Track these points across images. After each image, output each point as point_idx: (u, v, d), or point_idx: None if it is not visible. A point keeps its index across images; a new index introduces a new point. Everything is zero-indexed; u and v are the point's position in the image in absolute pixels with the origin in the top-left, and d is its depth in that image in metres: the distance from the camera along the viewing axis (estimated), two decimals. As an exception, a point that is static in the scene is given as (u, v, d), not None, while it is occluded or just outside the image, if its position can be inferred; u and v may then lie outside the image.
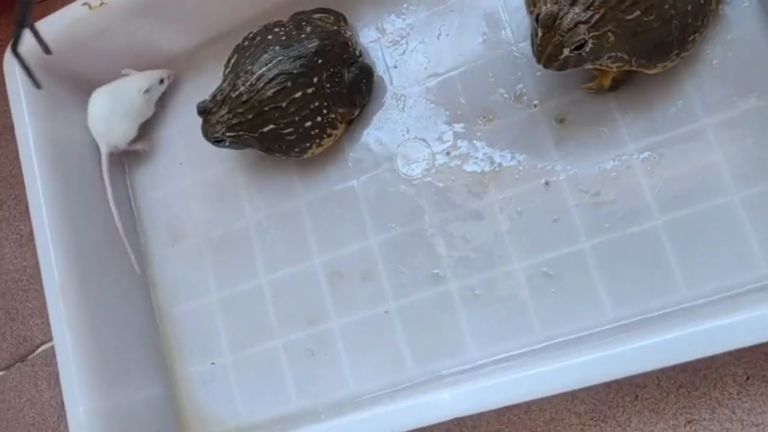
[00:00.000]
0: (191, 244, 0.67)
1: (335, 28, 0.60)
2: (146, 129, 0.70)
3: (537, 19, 0.49)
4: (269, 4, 0.65)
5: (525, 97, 0.57)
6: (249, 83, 0.57)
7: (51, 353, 0.73)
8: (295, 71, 0.57)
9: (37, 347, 0.74)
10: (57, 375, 0.72)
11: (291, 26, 0.60)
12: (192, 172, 0.68)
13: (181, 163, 0.68)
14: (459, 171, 0.58)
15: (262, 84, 0.57)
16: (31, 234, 0.75)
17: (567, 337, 0.53)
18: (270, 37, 0.59)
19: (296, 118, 0.58)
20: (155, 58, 0.69)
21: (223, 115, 0.58)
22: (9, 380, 0.75)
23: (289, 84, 0.57)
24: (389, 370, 0.59)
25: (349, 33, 0.61)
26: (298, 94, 0.57)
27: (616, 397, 0.53)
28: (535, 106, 0.57)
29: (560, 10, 0.48)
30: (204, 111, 0.59)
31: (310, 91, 0.57)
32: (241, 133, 0.59)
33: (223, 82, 0.60)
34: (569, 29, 0.48)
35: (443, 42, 0.60)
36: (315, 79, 0.57)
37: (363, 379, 0.59)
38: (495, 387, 0.49)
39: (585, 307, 0.53)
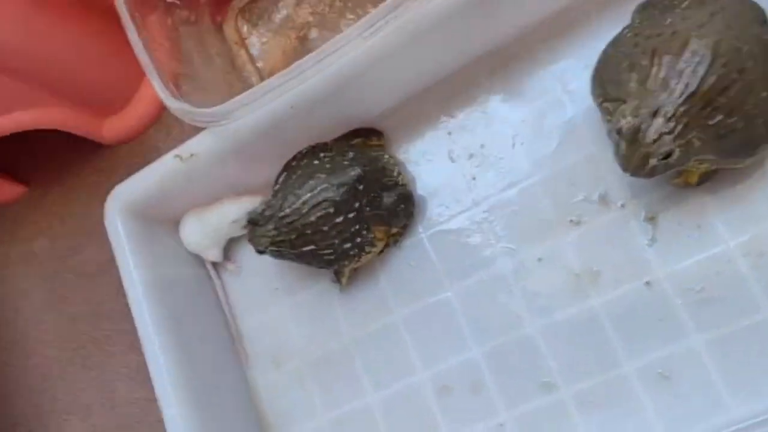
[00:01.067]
0: (293, 366, 0.69)
1: (374, 154, 0.64)
2: (234, 250, 0.73)
3: (619, 132, 0.50)
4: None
5: (609, 198, 0.58)
6: (295, 207, 0.61)
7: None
8: (338, 198, 0.60)
9: (156, 478, 0.77)
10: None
11: (335, 152, 0.64)
12: (287, 295, 0.70)
13: (277, 288, 0.71)
14: (553, 277, 0.59)
15: (306, 209, 0.60)
16: (139, 365, 0.80)
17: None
18: (316, 162, 0.63)
19: (336, 241, 0.61)
20: (240, 189, 0.72)
21: (269, 230, 0.62)
22: None
23: (331, 210, 0.60)
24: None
25: (387, 156, 0.65)
26: (340, 219, 0.61)
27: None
28: (622, 206, 0.57)
29: (642, 122, 0.49)
30: (253, 222, 0.64)
31: (351, 215, 0.61)
32: (282, 249, 0.63)
33: (273, 197, 0.64)
34: (654, 140, 0.48)
35: (518, 151, 0.62)
36: (356, 204, 0.61)
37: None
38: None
39: (707, 406, 0.53)
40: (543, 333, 0.59)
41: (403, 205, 0.64)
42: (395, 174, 0.64)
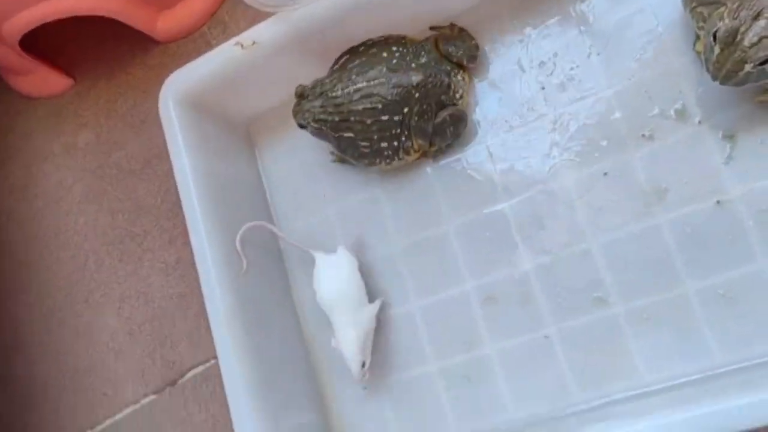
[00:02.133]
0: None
1: (448, 68, 0.62)
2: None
3: (714, 36, 0.48)
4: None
5: (687, 114, 0.56)
6: (347, 90, 0.61)
7: (200, 378, 0.76)
8: (389, 97, 0.60)
9: (187, 371, 0.77)
10: (208, 398, 0.76)
11: (409, 50, 0.62)
12: (334, 200, 0.69)
13: (325, 195, 0.70)
14: (619, 192, 0.57)
15: (357, 96, 0.60)
16: (176, 262, 0.80)
17: (750, 362, 0.51)
18: (384, 54, 0.61)
19: (375, 137, 0.61)
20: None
21: (315, 106, 0.62)
22: (160, 404, 0.78)
23: (379, 106, 0.60)
24: (551, 394, 0.58)
25: (462, 75, 0.63)
26: (384, 117, 0.60)
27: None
28: (699, 122, 0.55)
29: (741, 24, 0.47)
30: (301, 95, 0.63)
31: (396, 118, 0.60)
32: (324, 128, 0.62)
33: (328, 76, 0.63)
34: (753, 44, 0.46)
35: (593, 61, 0.59)
36: (405, 109, 0.60)
37: (523, 404, 0.59)
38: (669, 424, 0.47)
39: (766, 329, 0.51)
40: (602, 248, 0.57)
41: (452, 127, 0.62)
42: (459, 95, 0.62)
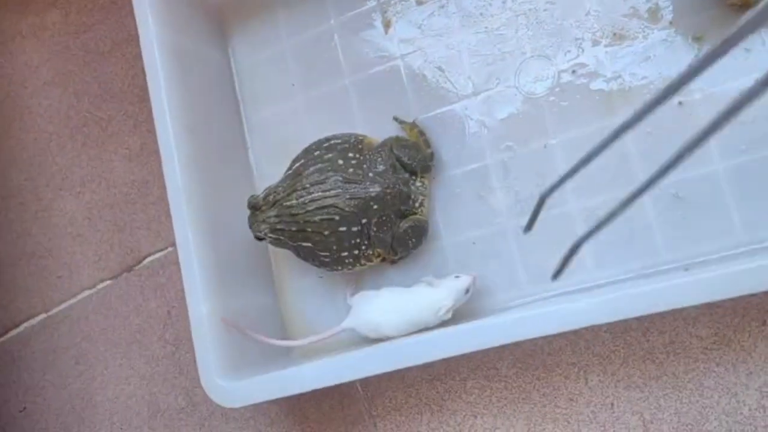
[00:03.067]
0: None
1: (406, 176, 0.59)
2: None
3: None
4: None
5: (660, 14, 0.55)
6: (302, 201, 0.57)
7: (157, 264, 0.76)
8: (347, 209, 0.57)
9: (144, 258, 0.77)
10: (164, 285, 0.76)
11: (366, 157, 0.59)
12: (303, 90, 0.68)
13: (293, 84, 0.69)
14: (585, 90, 0.57)
15: (312, 207, 0.57)
16: (140, 148, 0.78)
17: (694, 260, 0.52)
18: (340, 161, 0.58)
19: (334, 247, 0.58)
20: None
21: (270, 217, 0.59)
22: (116, 289, 0.78)
23: (336, 218, 0.57)
24: (503, 288, 0.59)
25: (420, 183, 0.60)
26: (342, 229, 0.57)
27: (741, 322, 0.52)
28: (670, 23, 0.55)
29: None
30: (254, 207, 0.61)
31: (354, 229, 0.58)
32: (281, 238, 0.60)
33: (281, 182, 0.60)
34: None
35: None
36: (364, 220, 0.57)
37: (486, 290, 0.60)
38: (620, 298, 0.48)
39: (715, 229, 0.52)
40: (562, 146, 0.57)
41: (413, 239, 0.59)
42: (418, 203, 0.60)
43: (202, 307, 0.59)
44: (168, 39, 0.64)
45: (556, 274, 0.39)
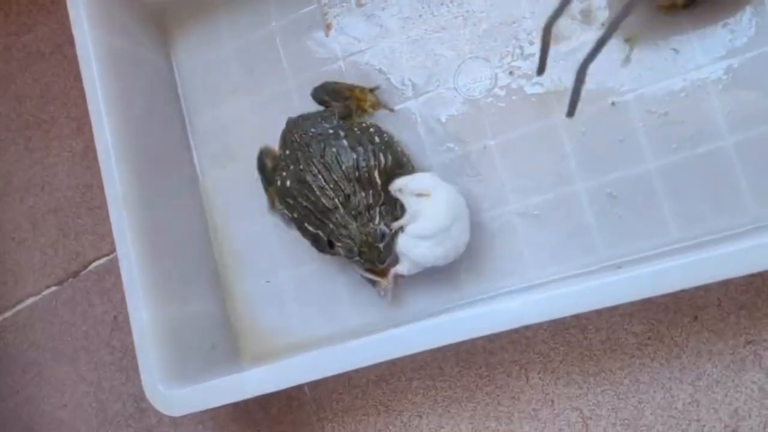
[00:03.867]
0: (242, 165, 0.67)
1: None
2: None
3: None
4: None
5: (592, 15, 0.56)
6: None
7: (103, 270, 0.75)
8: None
9: (90, 263, 0.75)
10: (110, 290, 0.75)
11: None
12: (247, 94, 0.68)
13: (236, 88, 0.68)
14: (522, 91, 0.58)
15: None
16: (83, 152, 0.77)
17: (630, 257, 0.53)
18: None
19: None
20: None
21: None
22: (62, 295, 0.77)
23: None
24: (445, 290, 0.59)
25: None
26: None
27: (674, 317, 0.53)
28: (603, 24, 0.55)
29: None
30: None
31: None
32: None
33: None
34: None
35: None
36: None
37: (418, 298, 0.60)
38: (555, 297, 0.48)
39: (650, 227, 0.53)
40: (501, 147, 0.58)
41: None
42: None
43: (143, 315, 0.58)
44: (105, 43, 0.63)
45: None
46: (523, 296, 0.48)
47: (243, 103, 0.68)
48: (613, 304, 0.47)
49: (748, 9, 0.52)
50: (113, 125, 0.61)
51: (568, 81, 0.56)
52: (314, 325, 0.63)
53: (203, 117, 0.70)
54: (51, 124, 0.78)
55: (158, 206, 0.63)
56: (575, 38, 0.56)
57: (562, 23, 0.56)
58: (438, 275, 0.58)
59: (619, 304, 0.46)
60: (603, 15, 0.56)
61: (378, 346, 0.53)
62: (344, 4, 0.64)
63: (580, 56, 0.55)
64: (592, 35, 0.56)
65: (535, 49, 0.57)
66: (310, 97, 0.64)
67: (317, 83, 0.64)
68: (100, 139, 0.61)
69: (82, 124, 0.76)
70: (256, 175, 0.66)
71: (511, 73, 0.58)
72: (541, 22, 0.57)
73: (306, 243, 0.61)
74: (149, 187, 0.62)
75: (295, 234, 0.62)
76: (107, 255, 0.75)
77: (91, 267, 0.75)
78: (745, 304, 0.52)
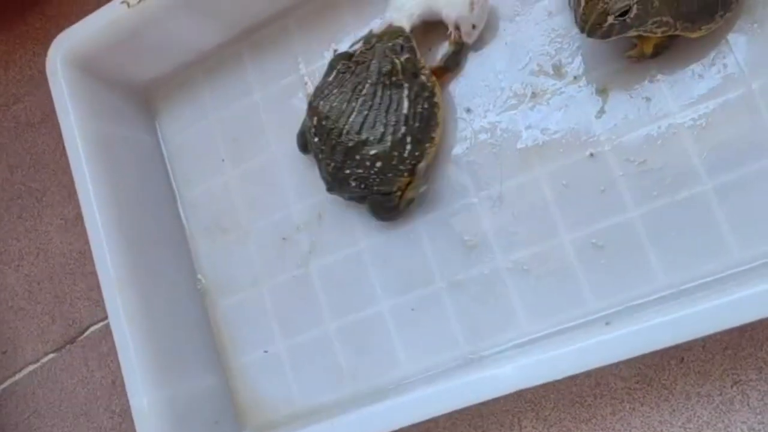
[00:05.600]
0: (235, 236, 0.68)
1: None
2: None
3: (580, -12, 0.49)
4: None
5: (564, 70, 0.57)
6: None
7: (100, 334, 0.75)
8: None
9: (86, 329, 0.76)
10: (107, 355, 0.75)
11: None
12: (234, 165, 0.69)
13: (223, 160, 0.69)
14: (502, 146, 0.59)
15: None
16: (75, 218, 0.78)
17: (620, 307, 0.54)
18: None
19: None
20: (197, 51, 0.70)
21: None
22: (60, 362, 0.77)
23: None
24: (441, 348, 0.59)
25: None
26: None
27: (661, 361, 0.54)
28: (575, 78, 0.57)
29: (603, -23, 0.48)
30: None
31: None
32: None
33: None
34: (613, -4, 0.48)
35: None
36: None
37: (415, 359, 0.60)
38: (552, 359, 0.50)
39: (636, 275, 0.54)
40: (483, 203, 0.59)
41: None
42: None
43: (143, 400, 0.58)
44: (89, 125, 0.64)
45: None
46: (514, 361, 0.49)
47: (232, 174, 0.69)
48: (607, 363, 0.48)
49: (715, 55, 0.53)
50: (102, 206, 0.62)
51: (545, 135, 0.57)
52: (315, 392, 0.63)
53: (193, 190, 0.71)
54: (43, 192, 0.79)
55: (152, 285, 0.64)
56: (549, 93, 0.58)
57: (536, 76, 0.58)
58: (434, 334, 0.59)
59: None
60: (573, 70, 0.57)
61: (379, 415, 0.54)
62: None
63: (554, 112, 0.57)
64: (562, 89, 0.57)
65: (512, 107, 0.59)
66: (297, 166, 0.66)
67: (301, 155, 0.65)
68: (90, 221, 0.62)
69: (73, 191, 0.76)
70: (251, 241, 0.67)
71: (489, 131, 0.59)
72: (514, 79, 0.59)
73: (301, 310, 0.62)
74: (142, 266, 0.63)
75: (293, 296, 0.64)
76: (103, 320, 0.75)
77: (87, 332, 0.76)
78: (729, 344, 0.52)
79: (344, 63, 0.58)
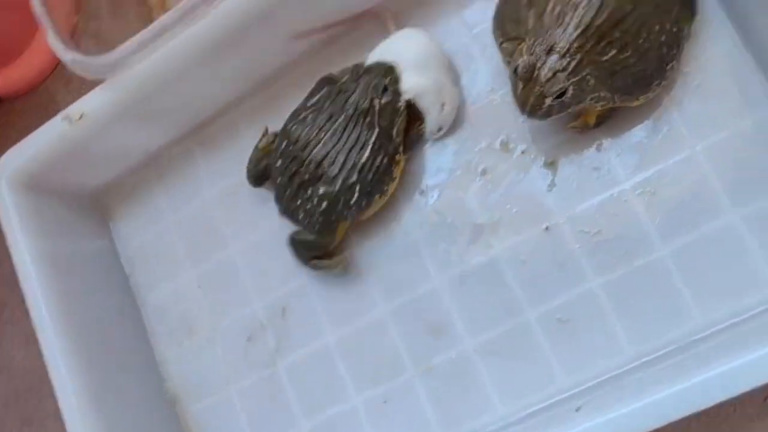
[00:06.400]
0: (201, 337, 0.67)
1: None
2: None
3: (515, 72, 0.49)
4: (241, 90, 0.66)
5: (511, 145, 0.57)
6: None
7: (70, 453, 0.73)
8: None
9: (55, 450, 0.73)
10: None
11: None
12: (194, 265, 0.68)
13: (182, 260, 0.68)
14: (456, 226, 0.58)
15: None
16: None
17: (591, 383, 0.52)
18: None
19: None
20: (146, 153, 0.69)
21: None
22: (31, 487, 0.74)
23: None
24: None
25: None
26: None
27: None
28: (523, 152, 0.57)
29: (537, 60, 0.48)
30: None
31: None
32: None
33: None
34: (548, 79, 0.48)
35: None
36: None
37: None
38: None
39: (604, 348, 0.53)
40: (447, 287, 0.58)
41: None
42: None
43: None
44: (40, 243, 0.62)
45: None
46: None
47: (192, 274, 0.68)
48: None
49: (657, 120, 0.53)
50: (58, 326, 0.60)
51: (499, 212, 0.57)
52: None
53: (154, 294, 0.69)
54: (2, 309, 0.77)
55: (118, 402, 0.61)
56: (499, 170, 0.57)
57: (483, 152, 0.58)
58: (408, 426, 0.58)
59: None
60: (521, 145, 0.57)
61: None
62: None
63: (505, 187, 0.57)
64: (512, 164, 0.57)
65: (463, 190, 0.58)
66: (256, 261, 0.65)
67: (260, 245, 0.65)
68: (45, 343, 0.60)
69: (33, 306, 0.75)
70: (218, 343, 0.65)
71: (439, 212, 0.59)
72: (465, 158, 0.58)
73: (272, 412, 0.61)
74: (106, 386, 0.61)
75: (263, 398, 0.62)
76: (72, 438, 0.72)
77: (59, 454, 0.73)
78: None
79: (328, 89, 0.58)
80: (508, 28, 0.52)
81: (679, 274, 0.51)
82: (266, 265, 0.65)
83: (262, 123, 0.65)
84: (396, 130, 0.56)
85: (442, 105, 0.57)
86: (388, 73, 0.56)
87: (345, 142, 0.55)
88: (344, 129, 0.55)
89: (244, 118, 0.67)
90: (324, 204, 0.56)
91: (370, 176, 0.55)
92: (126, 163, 0.70)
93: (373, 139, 0.55)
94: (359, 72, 0.57)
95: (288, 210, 0.59)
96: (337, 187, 0.55)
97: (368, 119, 0.55)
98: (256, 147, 0.62)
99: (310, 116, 0.57)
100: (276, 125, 0.64)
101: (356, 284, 0.61)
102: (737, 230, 0.51)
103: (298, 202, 0.57)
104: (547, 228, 0.55)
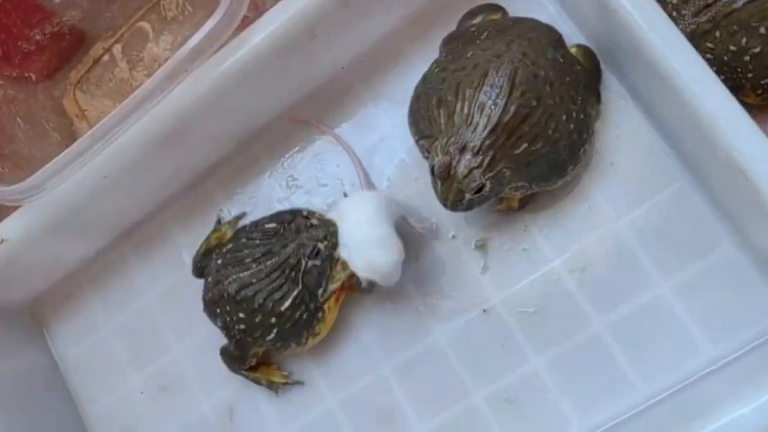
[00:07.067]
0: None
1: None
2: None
3: (432, 172, 0.50)
4: (169, 192, 0.66)
5: (441, 230, 0.58)
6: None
7: None
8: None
9: None
10: None
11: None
12: (137, 371, 0.66)
13: (125, 367, 0.67)
14: (397, 312, 0.58)
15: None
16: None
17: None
18: None
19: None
20: (78, 261, 0.68)
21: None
22: None
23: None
24: None
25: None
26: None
27: None
28: (453, 237, 0.57)
29: (452, 159, 0.49)
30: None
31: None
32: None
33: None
34: (465, 176, 0.49)
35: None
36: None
37: None
38: None
39: (551, 425, 0.53)
40: (392, 372, 0.58)
41: None
42: None
43: None
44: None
45: None
46: None
47: (134, 381, 0.66)
48: None
49: (579, 199, 0.55)
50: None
51: (437, 296, 0.57)
52: None
53: (99, 405, 0.67)
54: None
55: None
56: (430, 254, 0.58)
57: (415, 239, 0.58)
58: None
59: None
60: (450, 230, 0.58)
61: None
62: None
63: (437, 270, 0.57)
64: (444, 250, 0.58)
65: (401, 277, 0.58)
66: (200, 361, 0.64)
67: (203, 345, 0.63)
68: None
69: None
70: None
71: (384, 300, 0.59)
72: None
73: None
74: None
75: None
76: None
77: None
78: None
79: (277, 225, 0.57)
80: (422, 127, 0.53)
81: (618, 347, 0.53)
82: (210, 365, 0.63)
83: (193, 223, 0.65)
84: (323, 291, 0.55)
85: (377, 272, 0.54)
86: (328, 237, 0.55)
87: (269, 284, 0.54)
88: (272, 272, 0.54)
89: (175, 219, 0.66)
90: (241, 326, 0.56)
91: (288, 325, 0.55)
92: (58, 273, 0.68)
93: (294, 294, 0.54)
94: (308, 224, 0.56)
95: (209, 311, 0.59)
96: (256, 320, 0.55)
97: (293, 274, 0.54)
98: (209, 237, 0.62)
99: (259, 240, 0.56)
100: (207, 227, 0.63)
101: (301, 378, 0.61)
102: (667, 299, 0.52)
103: (218, 310, 0.57)
104: (484, 311, 0.56)
